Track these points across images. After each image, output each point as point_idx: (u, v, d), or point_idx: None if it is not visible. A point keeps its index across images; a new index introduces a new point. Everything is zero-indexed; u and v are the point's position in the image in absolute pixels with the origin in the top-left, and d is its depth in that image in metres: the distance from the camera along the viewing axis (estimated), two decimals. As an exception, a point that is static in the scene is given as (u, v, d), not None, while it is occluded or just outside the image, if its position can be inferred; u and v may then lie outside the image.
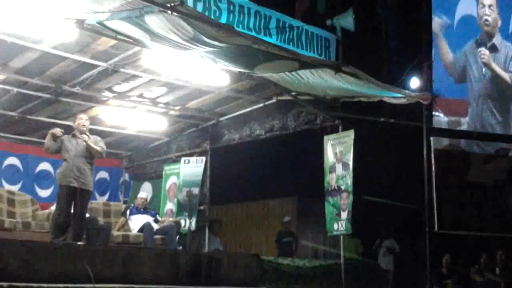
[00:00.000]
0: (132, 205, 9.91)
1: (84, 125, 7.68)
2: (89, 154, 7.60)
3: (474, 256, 11.78)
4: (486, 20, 9.46)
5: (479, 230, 9.20)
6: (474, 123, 9.23)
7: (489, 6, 9.54)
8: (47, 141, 7.54)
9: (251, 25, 7.96)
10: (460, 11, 9.39)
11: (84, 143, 7.54)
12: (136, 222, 9.27)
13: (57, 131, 7.53)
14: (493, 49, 9.51)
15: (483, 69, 9.38)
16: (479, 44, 9.43)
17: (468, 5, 9.47)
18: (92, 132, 8.21)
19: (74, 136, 7.64)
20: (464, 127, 9.17)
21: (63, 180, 7.39)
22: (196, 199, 11.08)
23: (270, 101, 10.08)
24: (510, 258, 11.38)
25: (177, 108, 10.46)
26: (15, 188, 11.04)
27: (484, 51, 9.38)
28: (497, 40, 9.56)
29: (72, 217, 7.39)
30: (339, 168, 9.34)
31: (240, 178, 15.46)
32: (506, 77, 9.54)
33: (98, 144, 7.71)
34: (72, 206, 7.42)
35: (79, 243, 7.17)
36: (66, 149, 7.50)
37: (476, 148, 9.24)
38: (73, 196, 7.37)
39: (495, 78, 9.49)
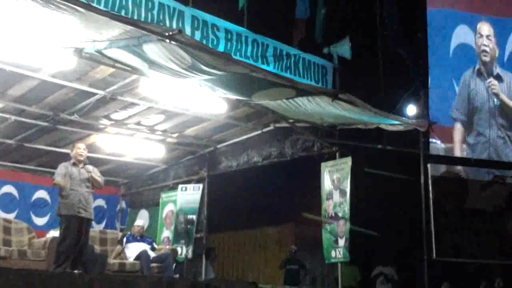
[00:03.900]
0: (129, 233, 9.85)
1: (81, 154, 7.66)
2: (91, 184, 7.61)
3: (473, 283, 11.71)
4: (484, 50, 9.52)
5: (478, 257, 9.14)
6: (485, 151, 9.22)
7: (487, 36, 9.61)
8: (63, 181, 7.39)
9: (248, 53, 8.02)
10: (456, 40, 9.47)
11: (89, 173, 7.55)
12: (133, 250, 9.20)
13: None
14: (498, 78, 9.56)
15: (495, 100, 9.42)
16: (479, 74, 9.47)
17: (465, 34, 9.54)
18: (90, 160, 8.19)
19: (74, 164, 7.63)
20: (463, 154, 9.16)
21: (71, 210, 7.31)
22: (193, 227, 11.04)
23: (268, 128, 10.11)
24: (509, 285, 11.32)
25: (175, 135, 10.47)
26: (11, 216, 10.99)
27: (493, 82, 9.42)
28: (497, 69, 9.62)
29: (74, 246, 7.35)
30: (336, 195, 9.33)
31: (238, 205, 15.44)
32: None
33: (97, 174, 7.72)
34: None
35: (75, 271, 7.11)
36: (71, 177, 7.44)
37: (471, 174, 9.23)
38: (79, 226, 7.36)
39: (502, 107, 9.53)
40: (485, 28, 9.65)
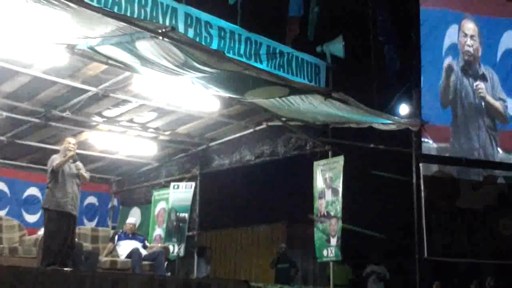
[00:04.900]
0: (121, 230, 9.83)
1: (71, 149, 7.62)
2: (79, 179, 7.59)
3: (465, 282, 11.76)
4: (468, 51, 9.54)
5: (470, 257, 9.18)
6: (475, 151, 9.25)
7: (471, 36, 9.63)
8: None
9: (241, 51, 8.02)
10: (449, 40, 9.50)
11: (78, 170, 7.52)
12: (124, 248, 9.18)
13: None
14: (483, 78, 9.59)
15: (482, 103, 9.45)
16: (465, 71, 9.50)
17: (457, 34, 9.57)
18: (81, 156, 8.16)
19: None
20: (447, 153, 9.19)
21: (63, 207, 7.28)
22: (185, 225, 11.02)
23: (260, 127, 10.10)
24: (500, 284, 11.36)
25: (167, 133, 10.45)
26: (2, 213, 10.92)
27: (480, 85, 9.46)
28: (481, 68, 9.65)
29: (63, 244, 7.29)
30: (328, 194, 9.33)
31: (230, 204, 15.43)
32: (498, 105, 9.62)
33: (83, 170, 7.70)
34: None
35: (66, 268, 7.08)
36: (62, 172, 7.41)
37: (461, 174, 9.27)
38: (69, 223, 7.33)
39: (487, 107, 9.57)
40: (470, 27, 9.66)
